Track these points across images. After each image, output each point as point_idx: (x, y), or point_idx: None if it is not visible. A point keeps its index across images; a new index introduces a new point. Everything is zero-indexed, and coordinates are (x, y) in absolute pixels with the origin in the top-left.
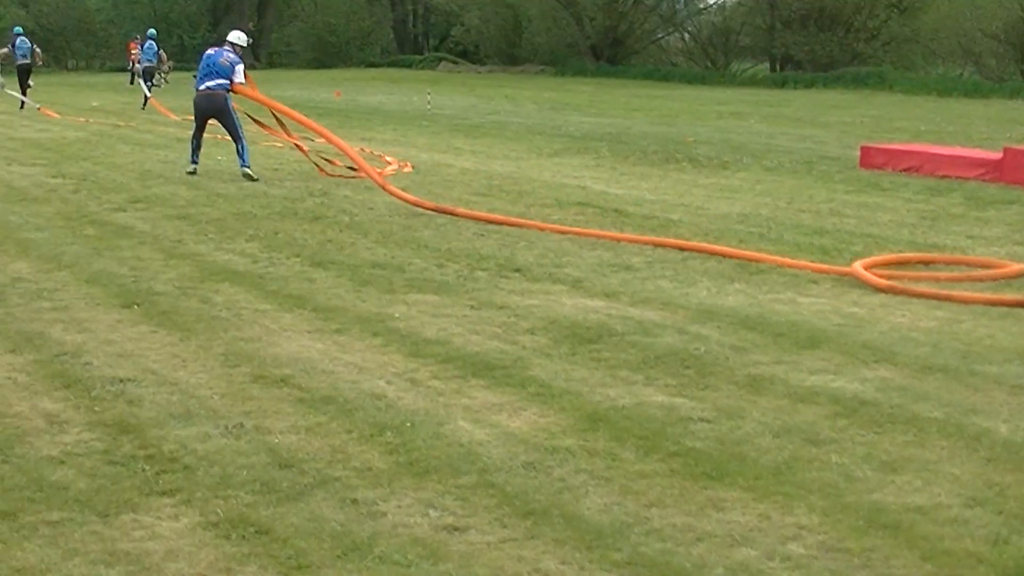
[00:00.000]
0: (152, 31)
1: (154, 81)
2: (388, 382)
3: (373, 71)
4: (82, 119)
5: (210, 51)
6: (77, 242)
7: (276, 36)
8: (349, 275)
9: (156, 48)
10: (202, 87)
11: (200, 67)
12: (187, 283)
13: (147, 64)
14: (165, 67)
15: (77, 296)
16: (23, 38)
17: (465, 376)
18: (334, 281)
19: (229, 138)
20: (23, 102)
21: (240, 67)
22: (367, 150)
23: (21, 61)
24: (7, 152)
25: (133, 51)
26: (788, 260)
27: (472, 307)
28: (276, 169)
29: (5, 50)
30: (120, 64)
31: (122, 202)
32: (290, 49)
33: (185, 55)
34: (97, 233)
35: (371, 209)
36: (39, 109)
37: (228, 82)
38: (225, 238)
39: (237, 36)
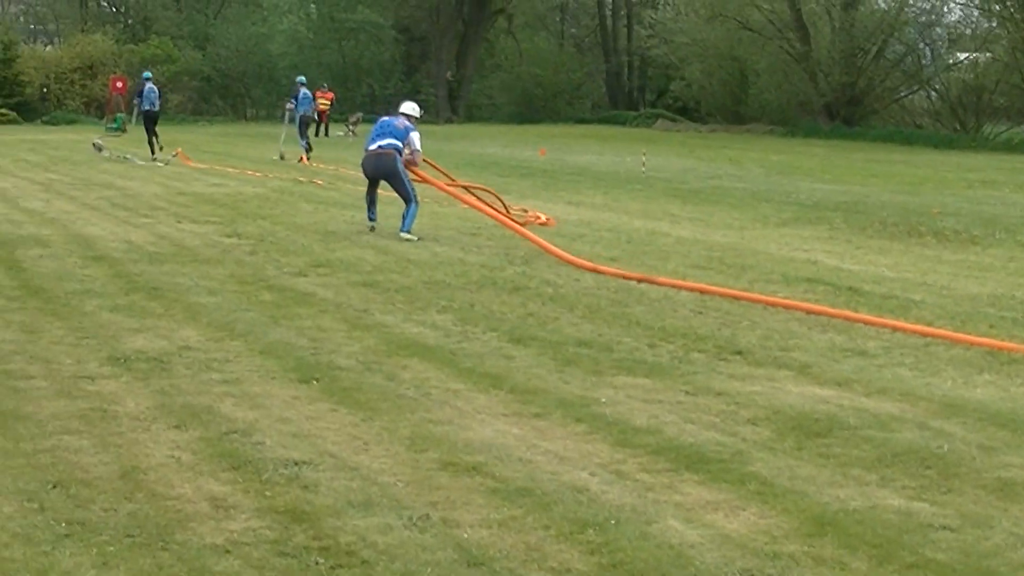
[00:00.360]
0: (301, 77)
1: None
2: (591, 474)
3: (582, 128)
4: (259, 173)
5: (385, 117)
6: (252, 308)
7: (476, 87)
8: (551, 353)
9: (311, 97)
10: (372, 147)
11: (373, 130)
12: (372, 357)
13: (303, 114)
14: (354, 119)
15: (250, 368)
16: (152, 85)
17: (677, 470)
18: (534, 360)
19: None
20: (154, 152)
21: (416, 135)
22: (519, 209)
23: (148, 108)
24: (177, 208)
25: (320, 100)
26: None
27: (687, 393)
28: (474, 234)
29: (135, 101)
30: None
31: (303, 266)
32: (491, 102)
33: (375, 106)
34: (274, 299)
35: (577, 281)
36: (175, 154)
37: (400, 145)
38: (415, 309)
39: (411, 107)
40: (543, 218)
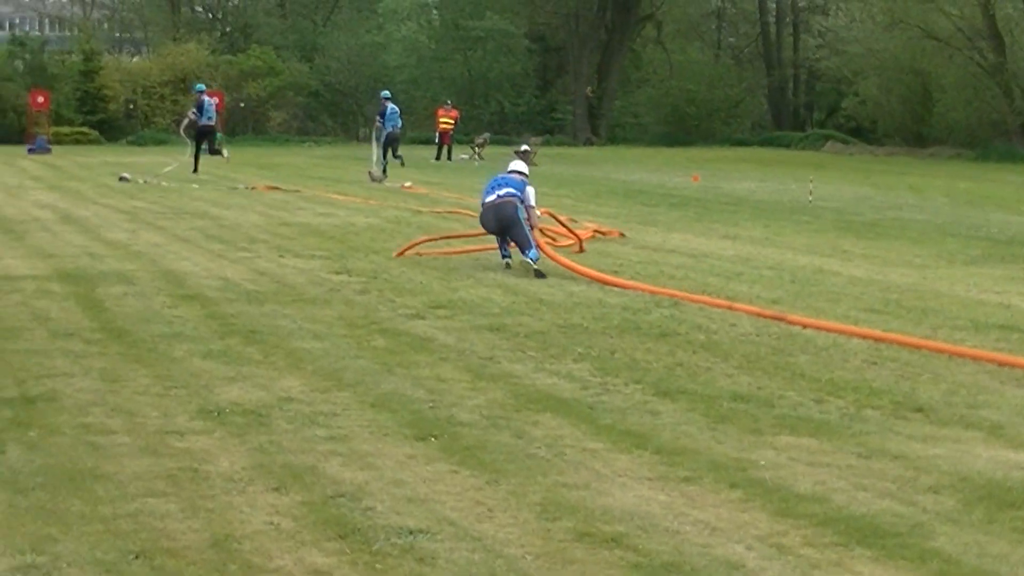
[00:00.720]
0: (386, 92)
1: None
2: (748, 547)
3: (741, 151)
4: (373, 202)
5: (499, 175)
6: (363, 355)
7: (620, 104)
8: (703, 409)
9: (399, 112)
10: (489, 198)
11: (486, 186)
12: (498, 412)
13: (390, 132)
14: (480, 140)
15: (360, 423)
16: (208, 98)
17: (847, 544)
18: (684, 416)
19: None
20: (196, 163)
21: (531, 190)
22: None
23: (205, 123)
24: (280, 240)
25: (442, 119)
26: None
27: (859, 455)
28: (615, 271)
29: (191, 115)
30: (426, 134)
31: (421, 307)
32: (637, 121)
33: (505, 126)
34: (388, 345)
35: (733, 325)
36: (253, 187)
37: (518, 194)
38: (548, 357)
39: (521, 165)
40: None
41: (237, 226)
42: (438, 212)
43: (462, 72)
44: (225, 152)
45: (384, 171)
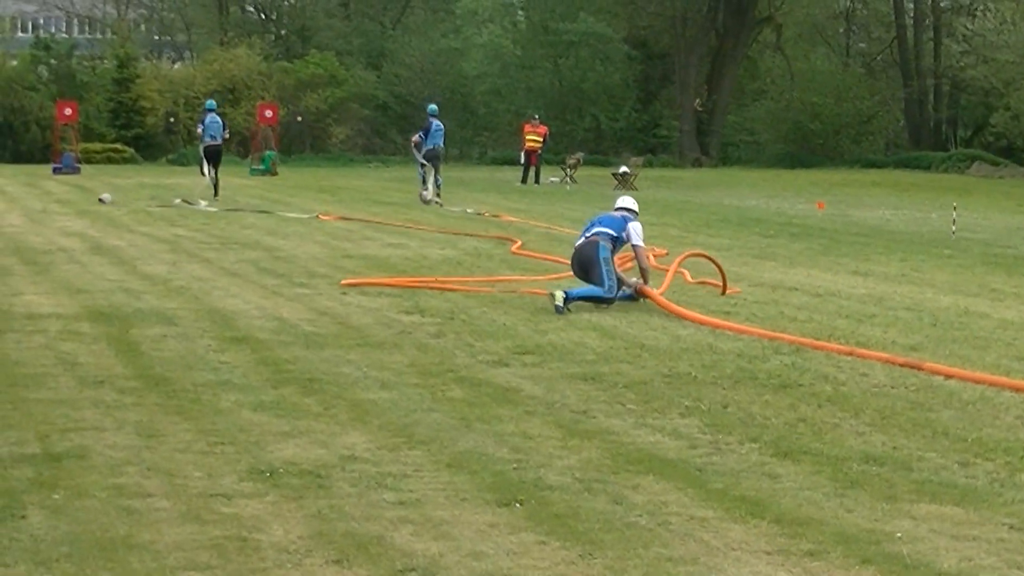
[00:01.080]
0: (433, 107)
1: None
2: None
3: (873, 173)
4: (449, 231)
5: (601, 214)
6: (437, 408)
7: (733, 120)
8: (829, 472)
9: (443, 130)
10: (579, 242)
11: (584, 225)
12: (593, 474)
13: (430, 149)
14: (572, 160)
15: (434, 486)
16: (215, 115)
17: None
18: (807, 480)
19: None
20: (215, 187)
21: (636, 226)
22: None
23: (210, 143)
24: (343, 275)
25: (528, 136)
26: None
27: (1011, 527)
28: (728, 312)
29: (199, 129)
30: (510, 154)
31: (504, 352)
32: (753, 139)
33: (601, 144)
34: (466, 396)
35: (864, 376)
36: (317, 216)
37: (614, 234)
38: (651, 410)
39: (630, 202)
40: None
41: (294, 258)
42: (526, 243)
43: (551, 82)
44: (277, 171)
45: (438, 191)
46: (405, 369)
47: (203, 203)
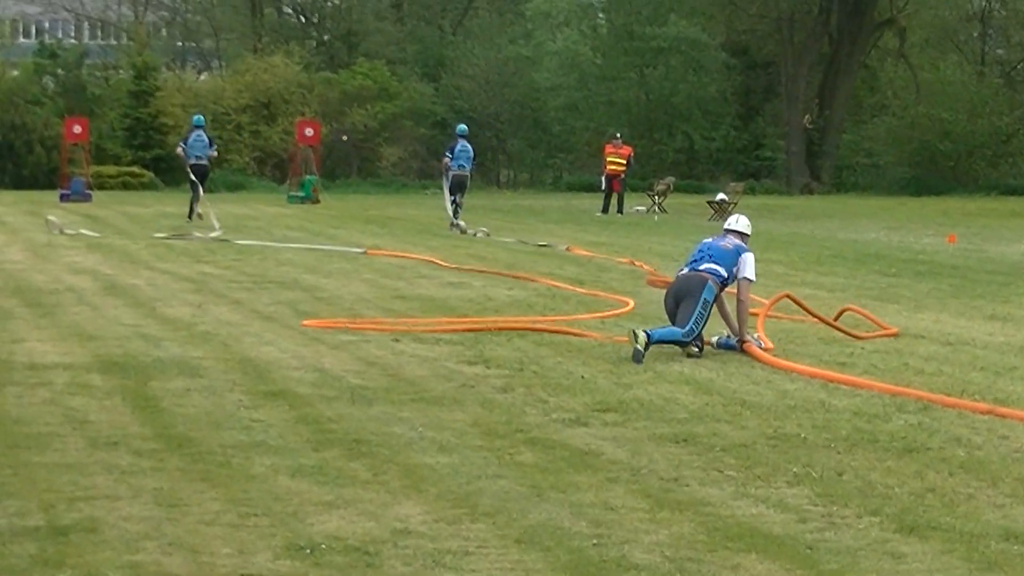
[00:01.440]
0: (462, 126)
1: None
2: None
3: (1013, 201)
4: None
5: (707, 239)
6: (505, 474)
7: (849, 139)
8: (963, 551)
9: (471, 153)
10: (683, 271)
11: (691, 253)
12: (686, 551)
13: (456, 172)
14: (662, 185)
15: (501, 565)
16: (200, 132)
17: None
18: (937, 560)
19: None
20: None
21: (750, 258)
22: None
23: (195, 161)
24: (395, 319)
25: (610, 158)
26: None
27: None
28: (843, 364)
29: (179, 149)
30: (588, 179)
31: (582, 409)
32: (872, 162)
33: (694, 167)
34: (539, 460)
35: (1004, 439)
36: (365, 251)
37: (725, 274)
38: (753, 478)
39: (745, 224)
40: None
41: (338, 299)
42: (607, 281)
43: (637, 95)
44: (319, 198)
45: (456, 216)
46: (467, 429)
47: (216, 226)
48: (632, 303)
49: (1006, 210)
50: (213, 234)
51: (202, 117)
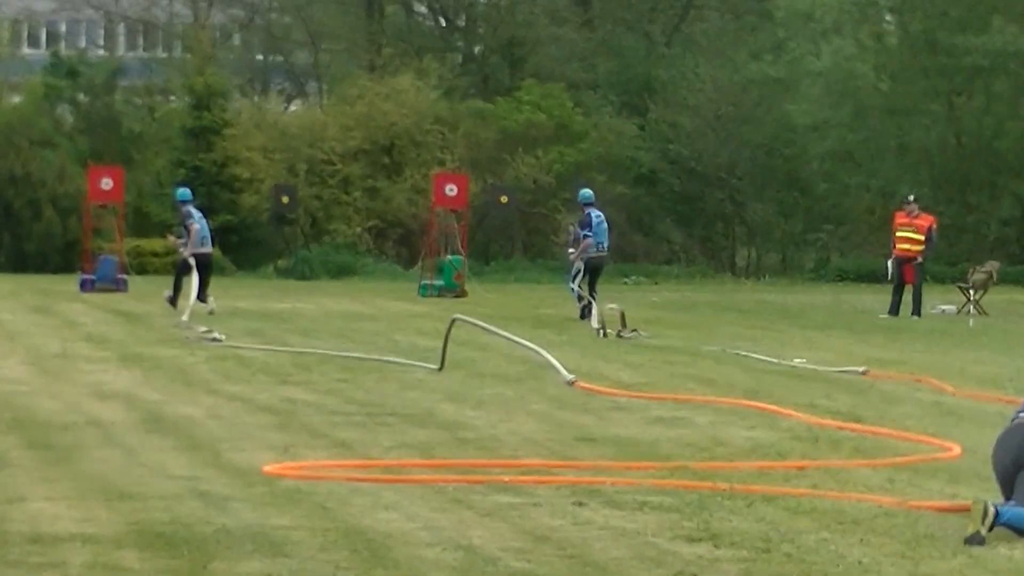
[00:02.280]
0: (587, 192)
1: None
2: None
3: None
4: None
5: None
6: None
7: None
8: None
9: (606, 225)
10: (1019, 419)
11: None
12: None
13: (595, 255)
14: (983, 272)
15: None
16: (192, 208)
17: None
18: None
19: None
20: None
21: None
22: None
23: (201, 249)
24: (578, 472)
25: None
26: None
27: None
28: None
29: (177, 239)
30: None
31: None
32: None
33: None
34: None
35: None
36: (574, 382)
37: None
38: None
39: None
40: None
41: (494, 441)
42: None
43: (943, 138)
44: (465, 290)
45: (590, 309)
46: None
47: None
48: (957, 448)
49: None
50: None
51: (188, 191)
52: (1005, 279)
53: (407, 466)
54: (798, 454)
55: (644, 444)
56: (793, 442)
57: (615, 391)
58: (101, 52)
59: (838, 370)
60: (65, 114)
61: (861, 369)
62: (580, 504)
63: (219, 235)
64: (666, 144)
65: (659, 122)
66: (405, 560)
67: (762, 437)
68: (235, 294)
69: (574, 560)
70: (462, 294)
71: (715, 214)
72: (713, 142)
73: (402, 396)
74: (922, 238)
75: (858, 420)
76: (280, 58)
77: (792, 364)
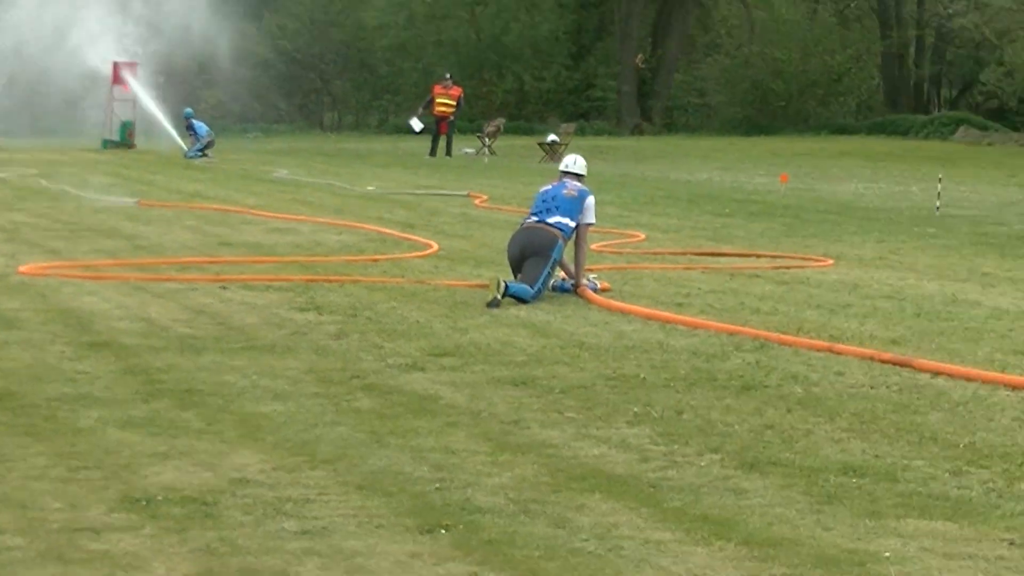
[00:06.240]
0: (189, 111)
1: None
2: None
3: (843, 140)
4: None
5: (546, 187)
6: (342, 420)
7: (681, 79)
8: (803, 485)
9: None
10: (529, 220)
11: (533, 204)
12: (529, 493)
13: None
14: (491, 127)
15: (343, 512)
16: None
17: None
18: (777, 495)
19: None
20: None
21: (592, 202)
22: None
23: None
24: (220, 266)
25: (439, 100)
26: None
27: (1011, 543)
28: (680, 304)
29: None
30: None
31: (419, 355)
32: (703, 101)
33: (524, 108)
34: (376, 406)
35: (840, 375)
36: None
37: (572, 225)
38: (593, 419)
39: (582, 165)
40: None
41: (160, 247)
42: (441, 224)
43: (467, 35)
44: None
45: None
46: (302, 376)
47: None
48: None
49: (837, 149)
50: None
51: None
52: (507, 130)
53: (101, 265)
54: (372, 250)
55: (266, 246)
56: (370, 243)
57: (242, 209)
58: None
59: (397, 193)
60: None
61: (429, 192)
62: (224, 288)
63: None
64: (276, 40)
65: (271, 25)
66: (104, 329)
67: (348, 240)
68: None
69: (222, 326)
70: (131, 146)
71: (310, 89)
72: (309, 39)
73: (93, 217)
74: (454, 103)
75: (411, 229)
76: None
77: (366, 190)
